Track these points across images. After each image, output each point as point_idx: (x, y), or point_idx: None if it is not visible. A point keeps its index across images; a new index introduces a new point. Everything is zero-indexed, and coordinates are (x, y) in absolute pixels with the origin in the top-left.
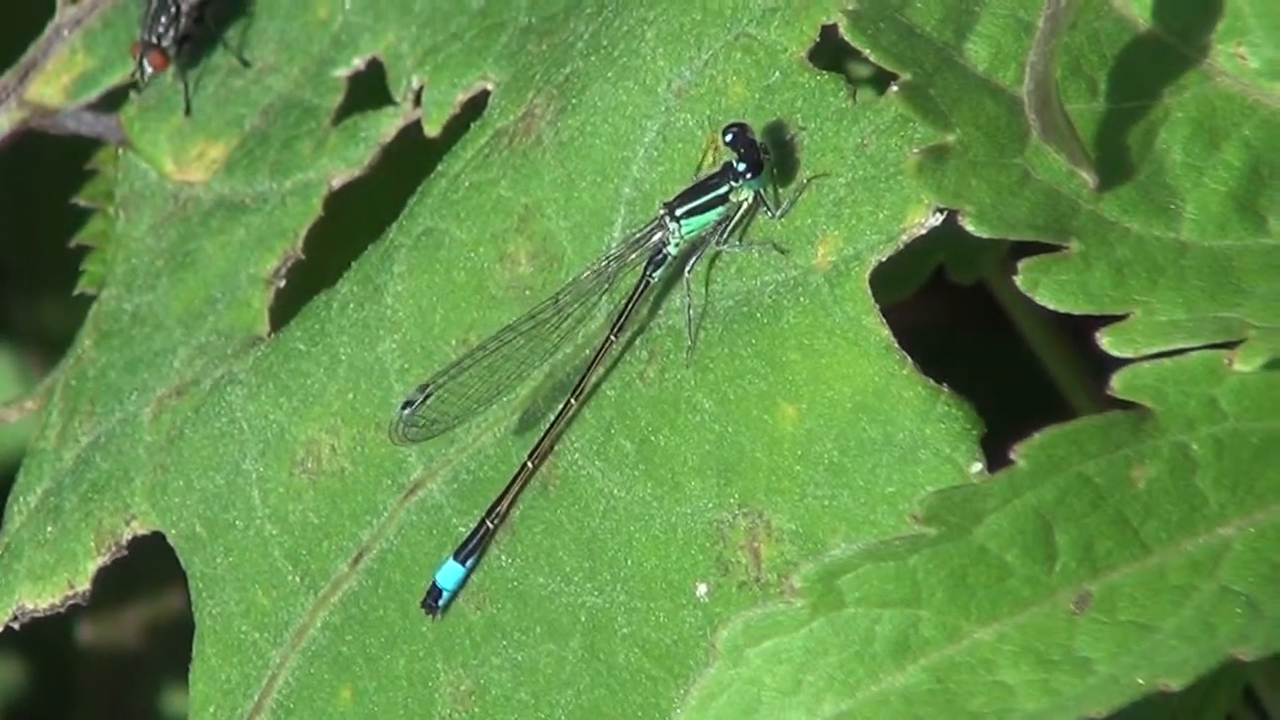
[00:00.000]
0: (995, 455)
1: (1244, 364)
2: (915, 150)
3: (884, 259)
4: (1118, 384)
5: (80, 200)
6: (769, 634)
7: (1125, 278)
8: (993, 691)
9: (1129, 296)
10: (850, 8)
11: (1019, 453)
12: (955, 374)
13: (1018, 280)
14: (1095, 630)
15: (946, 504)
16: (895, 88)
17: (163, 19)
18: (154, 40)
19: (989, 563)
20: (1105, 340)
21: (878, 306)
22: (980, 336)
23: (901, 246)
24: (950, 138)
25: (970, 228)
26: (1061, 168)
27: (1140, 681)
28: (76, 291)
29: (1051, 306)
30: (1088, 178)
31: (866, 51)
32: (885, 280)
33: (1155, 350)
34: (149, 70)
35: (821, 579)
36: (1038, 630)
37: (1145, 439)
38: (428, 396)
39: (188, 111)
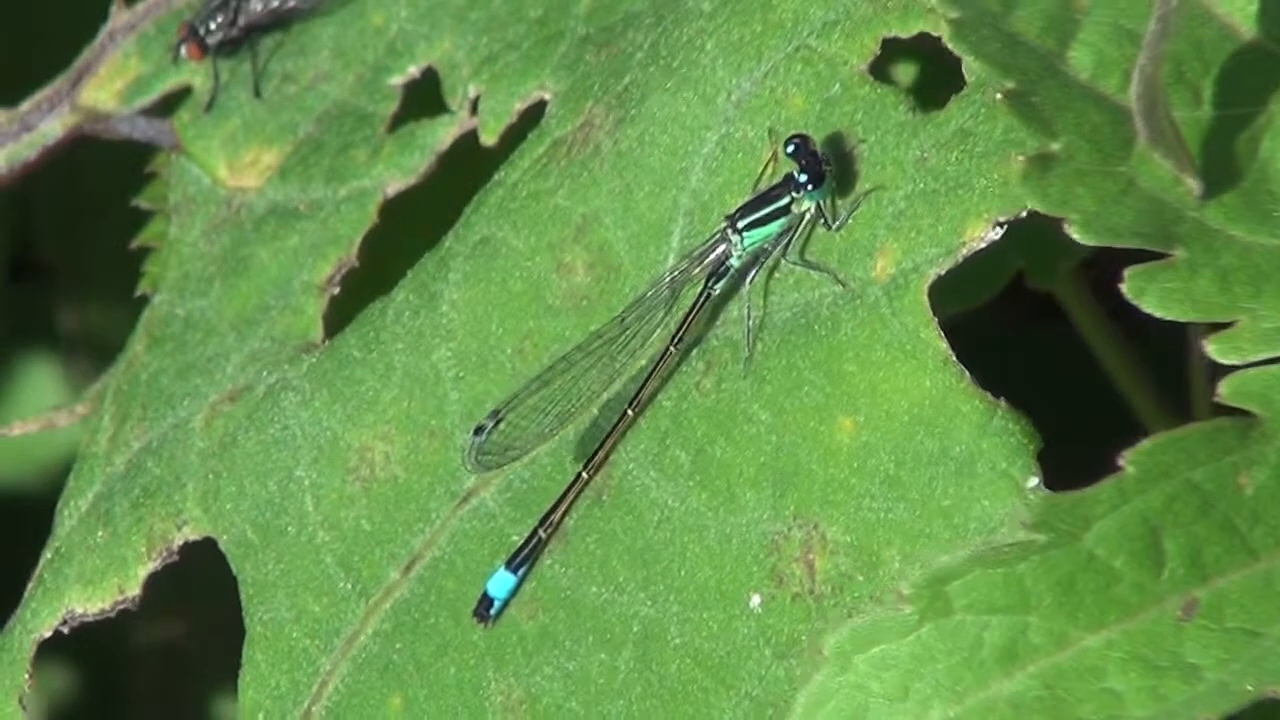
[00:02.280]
0: (1058, 458)
1: None
2: (1020, 157)
3: (943, 272)
4: (1225, 390)
5: (141, 202)
6: (877, 640)
7: (1230, 284)
8: (1101, 698)
9: (1235, 303)
10: (953, 15)
11: (1127, 459)
12: (1020, 382)
13: (1123, 288)
14: (1203, 637)
15: (1055, 510)
16: (999, 96)
17: (219, 18)
18: (201, 33)
19: (1097, 569)
20: (1212, 348)
21: (936, 319)
22: (1041, 340)
23: (960, 260)
24: (1055, 146)
25: (1076, 236)
26: (1166, 176)
27: (1249, 688)
28: (138, 294)
29: (1158, 314)
30: (1193, 185)
31: (970, 59)
32: (960, 286)
33: (1262, 357)
34: (182, 53)
35: (930, 585)
36: (1146, 637)
37: (1253, 445)
38: (499, 421)
39: (209, 108)
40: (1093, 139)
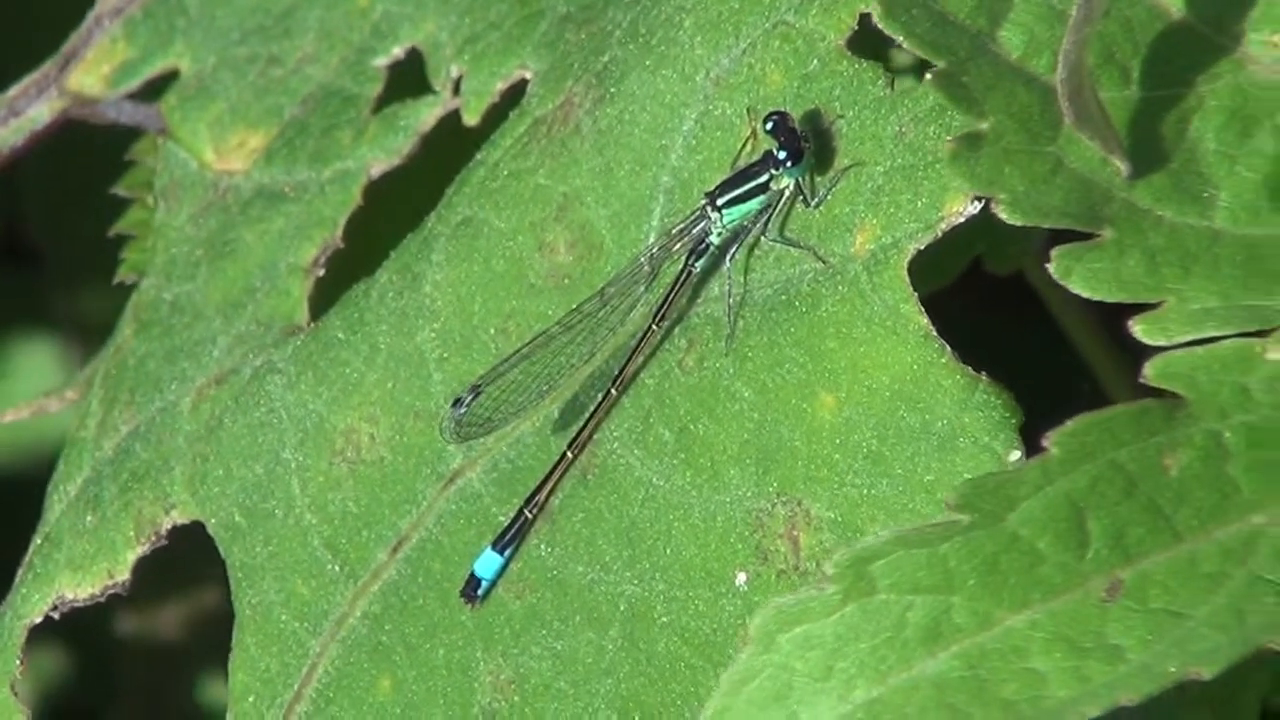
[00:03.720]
0: (1031, 444)
1: (1277, 352)
2: (950, 138)
3: (922, 247)
4: (1150, 372)
5: (120, 190)
6: (801, 620)
7: (1158, 265)
8: (1024, 678)
9: (1162, 284)
10: None
11: (1052, 440)
12: (991, 363)
13: (1050, 268)
14: (1127, 618)
15: (979, 491)
16: (929, 75)
17: None
18: None
19: (1021, 550)
20: (1138, 328)
21: (916, 295)
22: (1016, 325)
23: (940, 235)
24: (984, 125)
25: (1004, 215)
26: (1095, 156)
27: (1172, 669)
28: (116, 280)
29: (1084, 294)
30: (1121, 166)
31: (900, 39)
32: (922, 270)
33: (1188, 338)
34: None
35: (853, 565)
36: (1070, 617)
37: (1178, 427)
38: (478, 394)
39: None
40: (1022, 119)
